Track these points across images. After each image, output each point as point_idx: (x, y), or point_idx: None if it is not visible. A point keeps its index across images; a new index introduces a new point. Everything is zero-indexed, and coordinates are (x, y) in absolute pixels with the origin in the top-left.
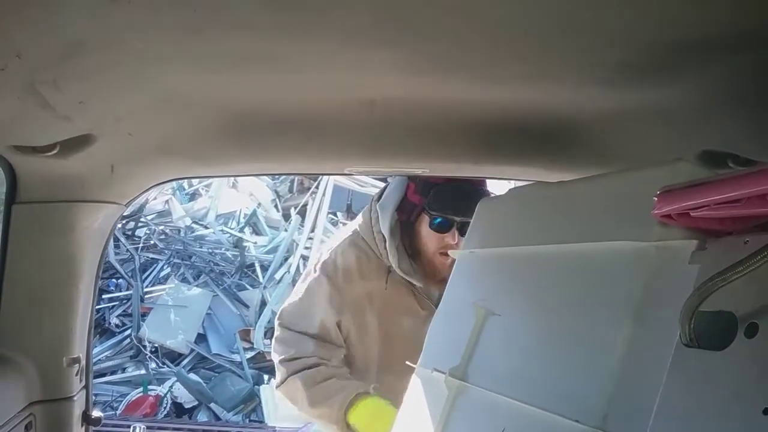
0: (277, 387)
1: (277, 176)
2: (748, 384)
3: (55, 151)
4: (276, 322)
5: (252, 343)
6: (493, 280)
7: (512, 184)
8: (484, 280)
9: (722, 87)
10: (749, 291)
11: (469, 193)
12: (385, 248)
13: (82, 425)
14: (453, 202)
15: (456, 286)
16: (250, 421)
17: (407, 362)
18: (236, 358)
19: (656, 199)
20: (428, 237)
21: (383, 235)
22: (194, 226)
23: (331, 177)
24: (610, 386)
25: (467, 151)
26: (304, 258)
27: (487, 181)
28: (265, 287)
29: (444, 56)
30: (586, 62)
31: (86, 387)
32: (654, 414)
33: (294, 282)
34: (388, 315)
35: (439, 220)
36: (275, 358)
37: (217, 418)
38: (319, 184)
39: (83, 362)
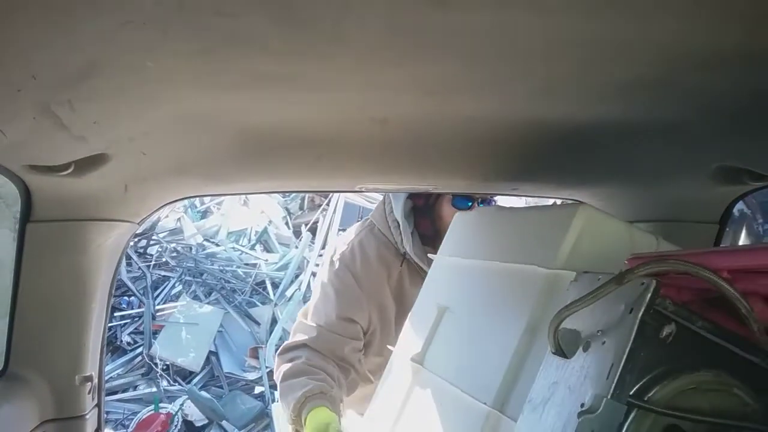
0: (274, 374)
1: (288, 194)
2: (577, 385)
3: (69, 171)
4: (298, 320)
5: (258, 364)
6: (452, 285)
7: (524, 201)
8: (446, 284)
9: (736, 102)
10: (590, 316)
11: None
12: (401, 234)
13: None
14: None
15: (429, 285)
16: None
17: (388, 346)
18: (248, 376)
19: (627, 262)
20: (451, 217)
21: (398, 222)
22: (205, 243)
23: (342, 194)
24: (507, 379)
25: (478, 168)
26: (315, 275)
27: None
28: (276, 304)
29: (455, 74)
30: (597, 78)
31: (98, 405)
32: (527, 401)
33: (305, 299)
34: (404, 298)
35: (461, 198)
36: (287, 343)
37: None
38: (329, 201)
39: (95, 380)
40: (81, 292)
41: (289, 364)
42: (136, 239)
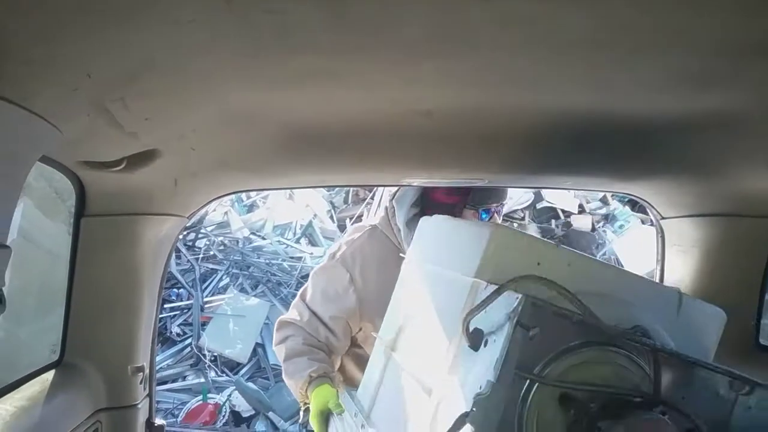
0: (274, 345)
1: (333, 188)
2: (480, 372)
3: (122, 166)
4: (298, 297)
5: None
6: (415, 284)
7: (571, 194)
8: (411, 283)
9: None
10: (488, 318)
11: None
12: (403, 239)
13: None
14: (494, 193)
15: (401, 282)
16: (307, 430)
17: (372, 333)
18: None
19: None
20: None
21: (400, 228)
22: (252, 237)
23: (387, 188)
24: (445, 368)
25: (527, 161)
26: None
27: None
28: None
29: (502, 65)
30: (652, 69)
31: (150, 395)
32: (457, 384)
33: None
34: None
35: (485, 213)
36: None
37: (275, 428)
38: (374, 195)
39: (147, 371)
40: (133, 284)
41: (289, 343)
42: (184, 232)
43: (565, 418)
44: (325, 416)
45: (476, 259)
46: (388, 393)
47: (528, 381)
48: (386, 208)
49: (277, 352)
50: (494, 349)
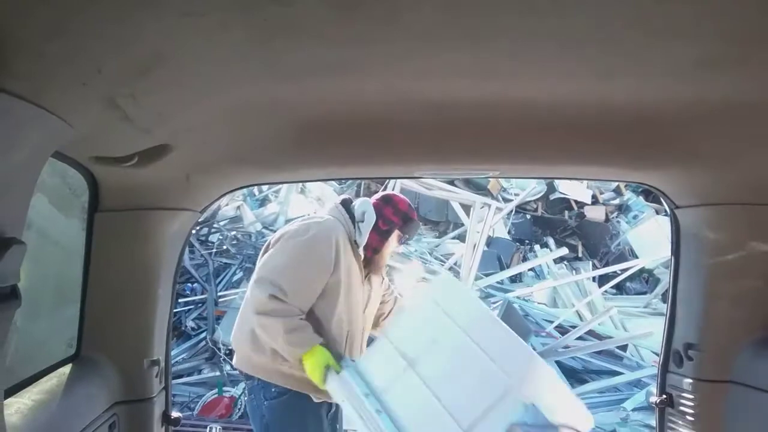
0: (258, 313)
1: (344, 181)
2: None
3: (134, 161)
4: (273, 279)
5: None
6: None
7: (584, 184)
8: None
9: None
10: None
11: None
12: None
13: (162, 425)
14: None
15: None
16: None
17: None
18: None
19: None
20: (393, 245)
21: (359, 233)
22: (264, 231)
23: (398, 180)
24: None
25: (540, 152)
26: None
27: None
28: None
29: (514, 56)
30: (663, 58)
31: (166, 388)
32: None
33: None
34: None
35: (406, 239)
36: (265, 293)
37: None
38: (386, 187)
39: (162, 364)
40: (147, 278)
41: (284, 317)
42: (198, 227)
43: None
44: (324, 371)
45: None
46: (406, 392)
47: None
48: (337, 206)
49: (264, 322)
50: None
